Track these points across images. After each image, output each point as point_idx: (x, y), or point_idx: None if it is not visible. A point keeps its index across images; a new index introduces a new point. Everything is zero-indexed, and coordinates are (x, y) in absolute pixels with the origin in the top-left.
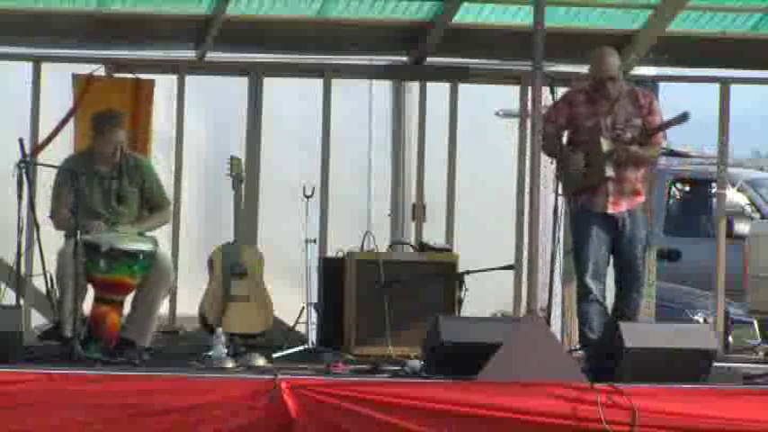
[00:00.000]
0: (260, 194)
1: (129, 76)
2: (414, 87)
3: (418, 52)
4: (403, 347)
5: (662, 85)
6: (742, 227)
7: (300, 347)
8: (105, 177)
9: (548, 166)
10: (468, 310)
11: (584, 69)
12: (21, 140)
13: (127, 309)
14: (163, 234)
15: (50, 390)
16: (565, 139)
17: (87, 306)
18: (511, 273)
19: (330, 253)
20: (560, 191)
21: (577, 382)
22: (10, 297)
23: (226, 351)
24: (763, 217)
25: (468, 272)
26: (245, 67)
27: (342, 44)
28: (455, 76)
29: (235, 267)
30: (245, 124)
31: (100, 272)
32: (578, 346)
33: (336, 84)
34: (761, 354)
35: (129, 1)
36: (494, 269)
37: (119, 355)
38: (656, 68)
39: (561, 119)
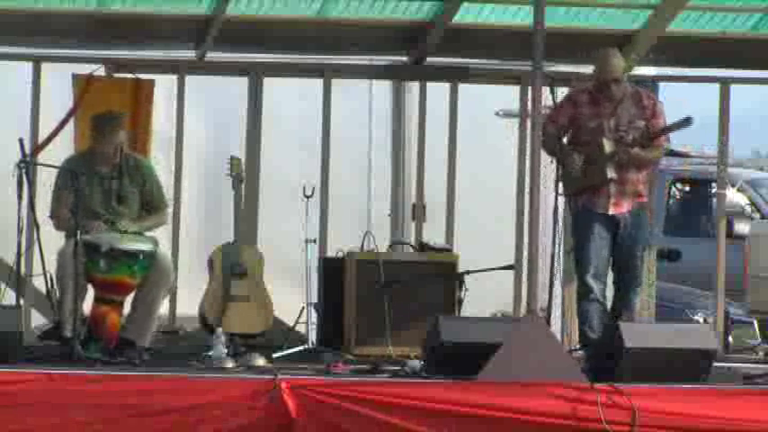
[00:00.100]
0: (260, 194)
1: (129, 76)
2: (414, 87)
3: (418, 52)
4: (403, 347)
5: (662, 85)
6: (742, 227)
7: (300, 347)
8: (105, 178)
9: (548, 166)
10: (468, 310)
11: (584, 69)
12: (21, 140)
13: (127, 309)
14: (163, 234)
15: (50, 390)
16: (567, 139)
17: (87, 306)
18: (511, 273)
19: (330, 253)
20: (561, 191)
21: (577, 382)
22: (10, 297)
23: (226, 351)
24: (763, 217)
25: (468, 272)
26: (245, 67)
27: (342, 44)
28: (455, 76)
29: (235, 267)
30: (245, 124)
31: (100, 272)
32: (578, 346)
33: (336, 84)
34: (761, 354)
35: (129, 1)
36: (494, 269)
37: (119, 355)
38: (656, 68)
39: (563, 118)
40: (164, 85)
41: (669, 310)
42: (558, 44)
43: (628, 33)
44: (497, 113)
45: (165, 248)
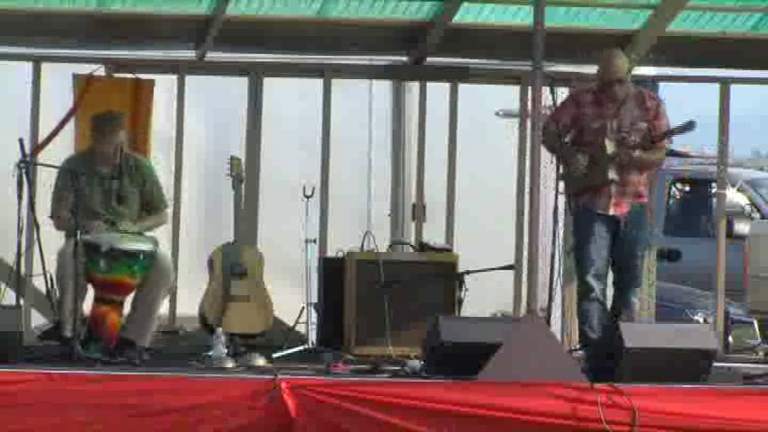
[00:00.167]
0: (260, 194)
1: (129, 76)
2: (414, 87)
3: (418, 52)
4: (403, 347)
5: (662, 85)
6: (742, 227)
7: (300, 347)
8: (105, 178)
9: (548, 166)
10: (468, 310)
11: (584, 69)
12: (21, 140)
13: (127, 309)
14: (163, 234)
15: (50, 390)
16: (570, 139)
17: (87, 306)
18: (511, 273)
19: (330, 253)
20: (562, 189)
21: (577, 382)
22: (10, 297)
23: (226, 351)
24: (763, 217)
25: (468, 272)
26: (245, 67)
27: (342, 44)
28: (455, 76)
29: (235, 267)
30: (245, 124)
31: (100, 272)
32: (578, 346)
33: (336, 84)
34: (761, 354)
35: (129, 1)
36: (494, 269)
37: (119, 355)
38: (656, 68)
39: (566, 118)
40: (164, 85)
41: (669, 310)
42: (558, 44)
43: (628, 33)
44: (497, 113)
45: (165, 248)
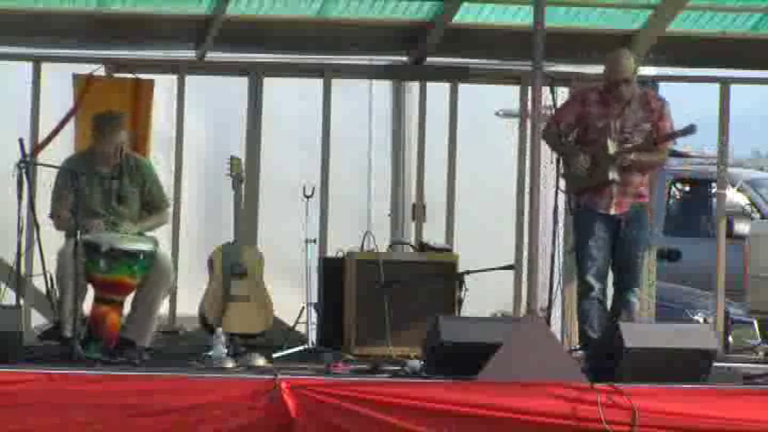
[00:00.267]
0: (260, 194)
1: (129, 76)
2: (414, 87)
3: (418, 52)
4: (403, 347)
5: (662, 84)
6: (742, 227)
7: (300, 347)
8: (106, 177)
9: (548, 166)
10: (468, 310)
11: (584, 69)
12: (21, 140)
13: (127, 309)
14: (163, 234)
15: (50, 390)
16: (574, 138)
17: (87, 306)
18: (511, 273)
19: (330, 253)
20: (562, 187)
21: (577, 382)
22: (10, 297)
23: (226, 351)
24: (763, 217)
25: (468, 272)
26: (245, 67)
27: (342, 44)
28: (455, 76)
29: (235, 267)
30: (245, 124)
31: (100, 272)
32: (578, 346)
33: (336, 84)
34: (761, 354)
35: (129, 1)
36: (494, 269)
37: (119, 355)
38: (656, 68)
39: (570, 116)
40: (164, 85)
41: (669, 310)
42: (558, 44)
43: (628, 33)
44: (497, 113)
45: (165, 248)
